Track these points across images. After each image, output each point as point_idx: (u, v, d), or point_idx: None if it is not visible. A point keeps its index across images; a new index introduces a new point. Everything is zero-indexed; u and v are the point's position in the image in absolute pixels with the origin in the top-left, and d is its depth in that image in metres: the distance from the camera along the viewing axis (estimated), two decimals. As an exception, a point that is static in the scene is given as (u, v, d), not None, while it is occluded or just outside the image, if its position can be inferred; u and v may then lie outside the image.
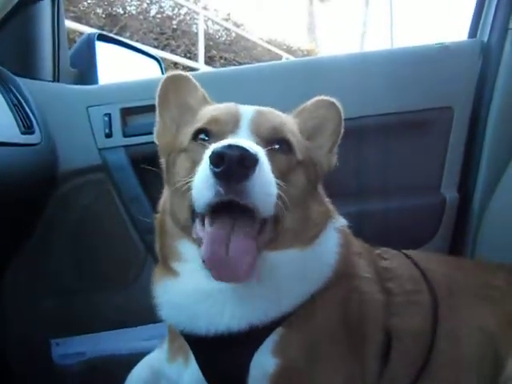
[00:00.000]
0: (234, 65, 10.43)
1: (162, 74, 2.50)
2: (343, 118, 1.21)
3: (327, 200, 1.19)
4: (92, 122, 1.76)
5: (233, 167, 0.82)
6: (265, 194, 0.87)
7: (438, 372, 1.10)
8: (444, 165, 1.76)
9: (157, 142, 1.17)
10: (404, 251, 1.31)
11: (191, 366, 1.07)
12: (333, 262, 1.06)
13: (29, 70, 1.82)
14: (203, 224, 0.94)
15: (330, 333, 1.02)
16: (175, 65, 8.78)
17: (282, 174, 0.95)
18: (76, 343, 1.74)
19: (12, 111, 1.49)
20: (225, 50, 10.38)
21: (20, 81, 1.69)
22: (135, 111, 1.78)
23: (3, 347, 1.72)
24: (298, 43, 14.34)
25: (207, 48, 9.32)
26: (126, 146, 1.75)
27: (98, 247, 1.78)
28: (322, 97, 1.21)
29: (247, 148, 0.83)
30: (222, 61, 10.16)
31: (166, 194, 1.13)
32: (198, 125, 1.02)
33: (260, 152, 0.88)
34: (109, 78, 2.09)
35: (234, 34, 10.83)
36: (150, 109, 1.73)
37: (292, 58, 12.76)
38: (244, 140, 0.90)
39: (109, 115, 1.76)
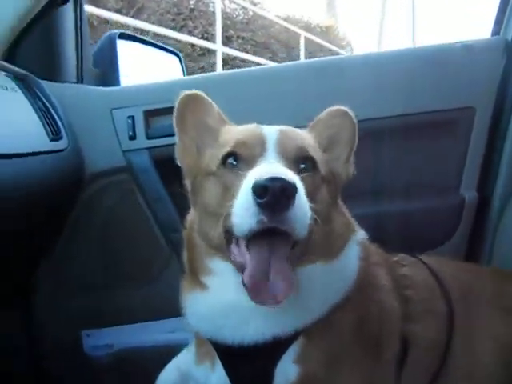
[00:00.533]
0: (252, 45, 10.33)
1: (182, 69, 2.52)
2: (357, 125, 1.23)
3: (346, 210, 1.21)
4: (116, 124, 1.80)
5: (276, 198, 0.87)
6: (303, 219, 0.92)
7: (452, 379, 1.14)
8: (464, 165, 1.76)
9: (179, 164, 1.19)
10: (421, 257, 1.34)
11: (218, 370, 1.13)
12: (354, 275, 1.10)
13: (53, 72, 1.86)
14: (237, 244, 0.99)
15: (349, 342, 1.06)
16: (192, 46, 8.75)
17: (309, 193, 0.98)
18: (105, 335, 1.82)
19: (40, 118, 1.54)
20: (242, 29, 10.26)
21: (45, 84, 1.74)
22: (158, 113, 1.81)
23: (37, 341, 1.82)
24: (317, 20, 14.08)
25: (224, 28, 9.22)
26: (149, 148, 1.79)
27: (124, 246, 1.84)
28: (336, 106, 1.23)
29: (288, 180, 0.87)
30: (239, 40, 10.06)
31: (193, 213, 1.16)
32: (226, 149, 1.04)
33: (297, 181, 0.92)
34: (130, 76, 2.12)
35: (251, 13, 10.68)
36: (173, 111, 1.80)
37: (310, 36, 12.56)
38: (281, 168, 0.94)
39: (132, 117, 1.79)
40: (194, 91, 1.20)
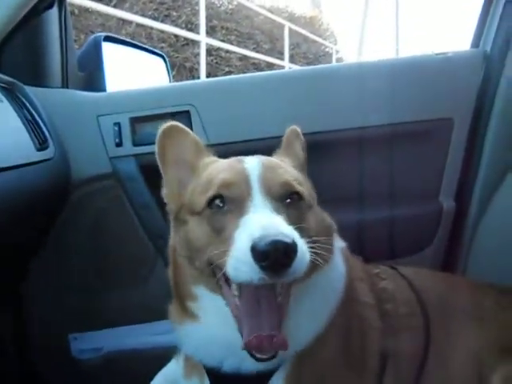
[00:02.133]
0: (236, 35, 10.26)
1: (167, 70, 2.53)
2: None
3: (325, 214, 1.23)
4: (102, 130, 1.80)
5: (277, 261, 0.87)
6: (302, 266, 0.92)
7: None
8: (443, 174, 1.82)
9: (166, 202, 1.20)
10: (400, 269, 1.39)
11: None
12: (340, 290, 1.14)
13: (38, 77, 1.85)
14: (226, 281, 1.01)
15: (335, 359, 1.10)
16: (176, 37, 8.65)
17: (298, 224, 0.99)
18: (93, 338, 1.84)
19: (27, 128, 1.53)
20: (226, 19, 10.17)
21: (30, 91, 1.73)
22: (144, 120, 1.82)
23: (25, 344, 1.83)
24: (301, 10, 14.04)
25: (208, 18, 9.13)
26: (135, 155, 1.80)
27: (111, 250, 1.86)
28: (292, 127, 1.30)
29: (289, 241, 0.88)
30: (223, 31, 9.98)
31: (175, 238, 1.16)
32: (212, 192, 1.04)
33: (296, 236, 0.92)
34: (116, 79, 2.12)
35: (235, 3, 10.59)
36: (159, 117, 1.82)
37: (294, 27, 12.51)
38: (276, 222, 0.94)
39: (118, 124, 1.80)
40: (172, 123, 1.19)
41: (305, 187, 1.12)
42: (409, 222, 1.81)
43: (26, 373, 1.85)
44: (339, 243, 1.24)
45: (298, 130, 1.29)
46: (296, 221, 1.00)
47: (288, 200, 1.04)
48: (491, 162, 1.77)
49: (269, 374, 1.08)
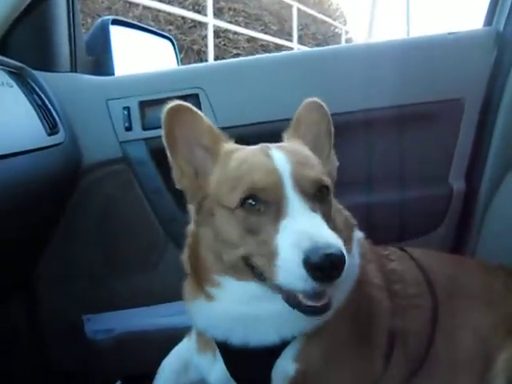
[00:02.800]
0: (244, 16, 10.14)
1: (176, 53, 2.51)
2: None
3: (340, 206, 1.23)
4: (112, 115, 1.81)
5: (332, 273, 0.88)
6: (347, 273, 0.92)
7: (434, 370, 1.21)
8: (453, 156, 1.81)
9: (179, 188, 1.15)
10: (409, 250, 1.40)
11: (219, 361, 1.18)
12: (355, 275, 1.15)
13: (46, 61, 1.85)
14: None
15: (344, 338, 1.12)
16: (183, 19, 8.58)
17: (326, 217, 1.00)
18: (106, 320, 1.87)
19: (37, 113, 1.55)
20: (234, 0, 10.04)
21: (40, 75, 1.74)
22: (154, 103, 1.81)
23: (38, 326, 1.88)
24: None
25: (215, -1, 9.04)
26: (145, 139, 1.81)
27: (122, 234, 1.88)
28: (310, 99, 1.22)
29: (341, 254, 0.88)
30: (230, 12, 9.87)
31: (199, 228, 1.13)
32: (243, 192, 1.00)
33: (341, 244, 0.91)
34: (124, 62, 2.12)
35: (242, -17, 10.44)
36: (169, 101, 1.80)
37: (303, 7, 12.31)
38: (324, 231, 0.93)
39: (128, 108, 1.81)
40: (179, 103, 1.11)
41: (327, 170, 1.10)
42: (419, 203, 1.81)
43: (40, 354, 1.90)
44: (358, 234, 1.25)
45: (317, 101, 1.21)
46: (326, 217, 1.00)
47: (318, 193, 1.02)
48: (502, 143, 1.75)
49: (278, 350, 1.10)
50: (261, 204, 0.99)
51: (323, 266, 0.86)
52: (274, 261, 0.92)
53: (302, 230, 0.92)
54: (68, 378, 1.90)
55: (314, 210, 0.98)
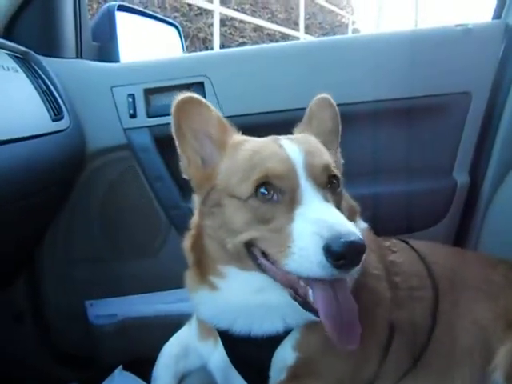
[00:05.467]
0: (250, 4, 10.05)
1: (181, 40, 2.50)
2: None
3: (348, 196, 1.24)
4: (116, 102, 1.81)
5: (353, 261, 0.89)
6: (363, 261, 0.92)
7: (434, 362, 1.22)
8: (457, 149, 1.80)
9: (186, 177, 1.16)
10: (411, 242, 1.40)
11: (220, 348, 1.20)
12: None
13: (52, 47, 1.85)
14: (267, 258, 1.01)
15: None
16: (189, 6, 8.51)
17: (337, 206, 1.00)
18: (108, 305, 1.89)
19: (42, 98, 1.55)
20: (240, -13, 9.96)
21: (45, 61, 1.74)
22: (158, 91, 1.82)
23: (41, 311, 1.90)
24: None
25: (222, -14, 8.95)
26: (150, 127, 1.81)
27: (125, 220, 1.89)
28: (321, 96, 1.24)
29: (362, 242, 0.88)
30: (237, 0, 9.78)
31: (204, 219, 1.13)
32: (256, 180, 1.00)
33: (359, 231, 0.91)
34: (129, 49, 2.11)
35: (250, -30, 10.34)
36: (174, 89, 1.81)
37: None
38: (343, 221, 0.93)
39: (133, 96, 1.81)
40: (189, 95, 1.11)
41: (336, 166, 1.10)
42: (422, 196, 1.80)
43: (43, 340, 1.92)
44: (362, 224, 1.26)
45: (327, 98, 1.22)
46: (337, 207, 1.00)
47: (329, 186, 1.03)
48: (507, 137, 1.74)
49: (278, 339, 1.10)
50: (274, 192, 0.99)
51: (345, 254, 0.87)
52: (289, 248, 0.93)
53: (321, 218, 0.92)
54: (70, 363, 1.92)
55: (326, 200, 0.99)
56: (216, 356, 1.21)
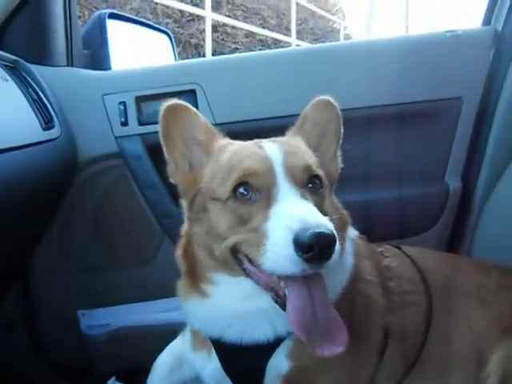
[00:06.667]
0: (242, 10, 10.09)
1: (173, 47, 2.50)
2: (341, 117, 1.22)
3: (336, 201, 1.23)
4: (108, 109, 1.80)
5: (321, 253, 0.88)
6: (336, 256, 0.92)
7: (427, 367, 1.22)
8: (449, 154, 1.81)
9: (173, 182, 1.17)
10: (404, 247, 1.40)
11: (214, 358, 1.19)
12: (349, 272, 1.15)
13: (42, 55, 1.84)
14: (250, 262, 1.00)
15: None
16: (181, 12, 8.53)
17: (319, 208, 1.00)
18: (101, 315, 1.87)
19: (32, 108, 1.53)
20: (232, -7, 10.00)
21: (35, 69, 1.73)
22: (150, 99, 1.81)
23: (34, 321, 1.87)
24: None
25: (214, -8, 8.99)
26: (141, 135, 1.80)
27: (118, 229, 1.88)
28: (320, 97, 1.22)
29: (330, 234, 0.88)
30: (229, 6, 9.83)
31: (191, 226, 1.15)
32: (235, 180, 1.02)
33: (332, 226, 0.91)
34: (121, 56, 2.11)
35: (241, -24, 10.39)
36: (165, 96, 1.80)
37: (301, 1, 12.27)
38: (314, 213, 0.93)
39: (124, 103, 1.80)
40: (176, 101, 1.13)
41: (320, 167, 1.10)
42: (415, 202, 1.81)
43: (36, 350, 1.89)
44: (352, 232, 1.25)
45: (327, 100, 1.21)
46: (318, 208, 1.00)
47: (310, 185, 1.03)
48: (499, 142, 1.75)
49: (272, 347, 1.10)
50: (252, 192, 1.00)
51: (313, 245, 0.86)
52: (264, 246, 0.93)
53: (291, 213, 0.92)
54: (64, 373, 1.90)
55: (304, 198, 0.99)
56: (210, 366, 1.21)
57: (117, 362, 1.79)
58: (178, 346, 1.38)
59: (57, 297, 1.88)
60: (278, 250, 0.91)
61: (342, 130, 1.24)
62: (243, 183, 1.01)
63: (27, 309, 1.88)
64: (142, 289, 1.88)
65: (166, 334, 1.46)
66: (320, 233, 0.86)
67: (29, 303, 1.88)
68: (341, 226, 1.10)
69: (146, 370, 1.40)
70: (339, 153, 1.25)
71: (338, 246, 0.91)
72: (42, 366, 1.89)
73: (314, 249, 0.87)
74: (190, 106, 1.15)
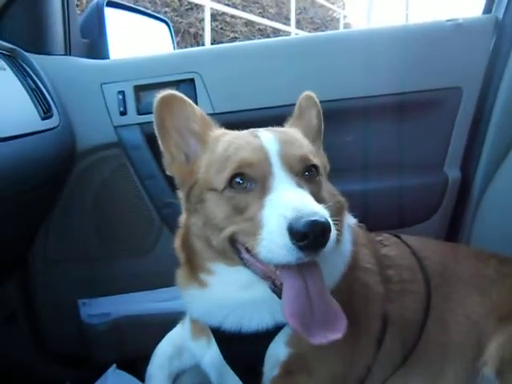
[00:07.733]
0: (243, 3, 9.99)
1: (171, 36, 2.48)
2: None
3: (334, 188, 1.23)
4: (106, 99, 1.79)
5: (316, 241, 0.88)
6: (331, 244, 0.92)
7: (425, 355, 1.23)
8: (448, 144, 1.81)
9: (169, 173, 1.17)
10: (403, 237, 1.41)
11: (213, 347, 1.20)
12: (348, 258, 1.16)
13: (40, 44, 1.83)
14: (248, 251, 1.00)
15: None
16: (180, 1, 8.45)
17: (316, 197, 1.00)
18: (101, 304, 1.88)
19: (31, 97, 1.53)
20: (231, -18, 9.89)
21: (33, 58, 1.71)
22: (149, 88, 1.80)
23: (34, 311, 1.88)
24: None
25: (213, -19, 8.89)
26: (140, 124, 1.79)
27: (117, 218, 1.88)
28: (308, 93, 1.26)
29: (326, 222, 0.88)
30: (228, -5, 9.72)
31: (188, 217, 1.15)
32: (231, 170, 1.02)
33: (327, 214, 0.92)
34: (119, 45, 2.09)
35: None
36: (164, 85, 1.79)
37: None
38: (308, 201, 0.94)
39: (123, 93, 1.79)
40: (171, 92, 1.12)
41: (319, 159, 1.12)
42: (414, 192, 1.81)
43: (36, 339, 1.90)
44: (350, 220, 1.26)
45: (313, 96, 1.25)
46: (314, 196, 1.00)
47: (306, 173, 1.04)
48: (498, 132, 1.75)
49: (271, 335, 1.11)
50: (248, 181, 1.01)
51: (307, 233, 0.86)
52: (259, 235, 0.93)
53: (286, 201, 0.93)
54: (64, 362, 1.91)
55: (300, 186, 0.99)
56: (209, 354, 1.22)
57: (117, 351, 1.81)
58: (178, 335, 1.39)
59: (57, 287, 1.89)
60: (273, 239, 0.91)
61: (323, 126, 1.28)
62: (239, 174, 1.01)
63: (27, 299, 1.88)
64: (142, 278, 1.89)
65: (167, 322, 1.47)
66: (314, 221, 0.87)
67: (29, 293, 1.88)
68: (337, 211, 1.11)
69: (146, 358, 1.41)
70: (322, 146, 1.28)
71: (333, 233, 0.91)
72: (42, 356, 1.91)
73: (309, 237, 0.87)
74: (184, 97, 1.14)
